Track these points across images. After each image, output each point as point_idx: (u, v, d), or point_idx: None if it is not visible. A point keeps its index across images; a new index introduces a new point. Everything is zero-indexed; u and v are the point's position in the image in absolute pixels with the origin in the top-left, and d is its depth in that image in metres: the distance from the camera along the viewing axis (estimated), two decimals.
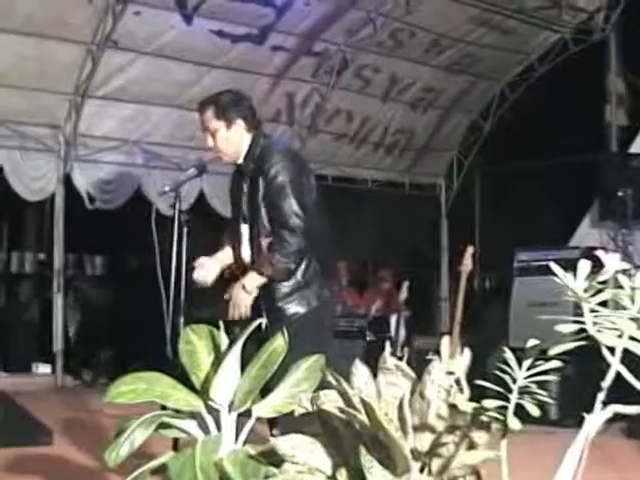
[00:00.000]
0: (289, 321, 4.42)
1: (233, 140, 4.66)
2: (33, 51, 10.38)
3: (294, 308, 4.56)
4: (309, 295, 4.59)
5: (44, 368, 11.57)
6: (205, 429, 3.07)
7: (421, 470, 2.59)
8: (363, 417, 2.53)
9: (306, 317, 4.55)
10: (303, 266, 4.58)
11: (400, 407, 2.59)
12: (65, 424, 7.44)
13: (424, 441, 2.60)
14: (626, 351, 2.05)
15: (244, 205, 4.71)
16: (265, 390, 3.08)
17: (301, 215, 4.50)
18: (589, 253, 8.43)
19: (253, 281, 4.57)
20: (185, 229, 4.50)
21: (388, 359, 2.74)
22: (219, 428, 3.06)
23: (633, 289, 2.03)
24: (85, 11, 10.29)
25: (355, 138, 13.72)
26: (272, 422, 3.66)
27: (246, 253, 4.73)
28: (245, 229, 4.73)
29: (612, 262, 2.04)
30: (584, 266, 2.05)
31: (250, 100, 4.83)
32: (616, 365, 2.04)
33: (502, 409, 2.30)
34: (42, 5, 9.94)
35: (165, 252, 4.49)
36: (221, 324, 3.31)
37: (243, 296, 4.57)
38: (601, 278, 2.05)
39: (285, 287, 4.57)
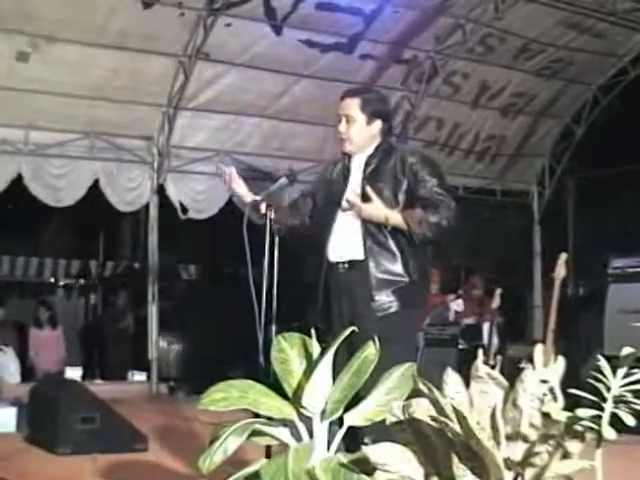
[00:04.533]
0: (381, 317, 4.42)
1: (366, 135, 4.70)
2: (127, 65, 10.59)
3: (393, 303, 4.46)
4: (415, 293, 4.52)
5: (139, 376, 11.75)
6: (297, 437, 3.08)
7: (514, 479, 2.57)
8: (455, 426, 2.52)
9: (403, 316, 4.46)
10: (419, 262, 4.54)
11: (493, 416, 2.58)
12: (160, 431, 7.55)
13: (517, 450, 2.57)
14: None
15: (352, 195, 4.61)
16: (354, 398, 3.08)
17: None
18: None
19: (392, 215, 4.46)
20: (276, 238, 4.52)
21: (480, 367, 2.72)
22: (311, 436, 3.07)
23: None
24: (177, 24, 10.46)
25: (446, 145, 13.64)
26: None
27: (338, 241, 4.66)
28: (343, 218, 4.67)
29: None
30: None
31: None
32: None
33: (597, 418, 2.27)
34: (135, 20, 10.13)
35: (257, 261, 4.52)
36: (313, 332, 3.32)
37: (378, 206, 4.46)
38: None
39: (391, 279, 4.49)
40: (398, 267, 4.50)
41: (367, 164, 4.69)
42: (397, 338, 4.00)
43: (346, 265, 4.60)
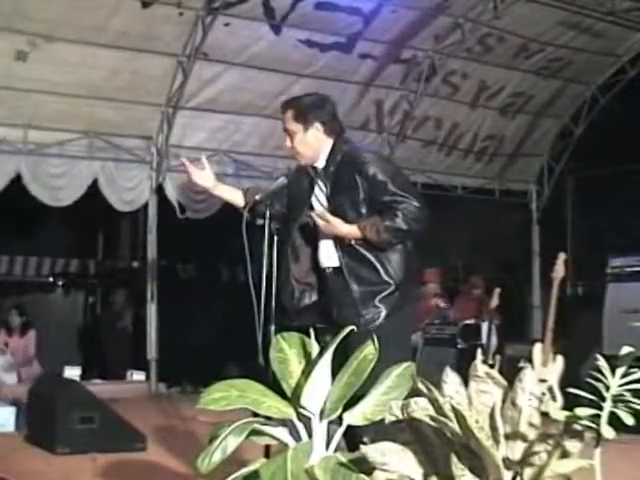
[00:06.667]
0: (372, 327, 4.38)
1: (310, 143, 4.60)
2: (126, 65, 10.60)
3: (382, 312, 4.39)
4: (403, 296, 4.44)
5: (138, 375, 11.73)
6: (296, 436, 3.09)
7: (513, 479, 2.57)
8: (454, 425, 2.53)
9: (394, 319, 4.40)
10: (400, 261, 4.45)
11: (492, 415, 2.58)
12: (159, 430, 7.55)
13: (516, 450, 2.58)
14: None
15: (317, 206, 4.62)
16: (352, 397, 3.08)
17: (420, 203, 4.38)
18: None
19: (351, 231, 4.40)
20: (275, 237, 4.52)
21: (479, 367, 2.72)
22: (310, 435, 3.07)
23: None
24: (176, 24, 10.46)
25: (444, 144, 13.65)
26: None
27: (324, 253, 4.62)
28: (309, 230, 4.65)
29: None
30: None
31: (333, 105, 4.77)
32: None
33: (596, 417, 2.27)
34: (134, 20, 10.14)
35: (256, 260, 4.51)
36: (312, 332, 3.32)
37: (336, 226, 4.40)
38: None
39: (381, 286, 4.43)
40: (380, 275, 4.43)
41: (326, 175, 4.60)
42: (389, 341, 3.98)
43: (331, 270, 4.58)
